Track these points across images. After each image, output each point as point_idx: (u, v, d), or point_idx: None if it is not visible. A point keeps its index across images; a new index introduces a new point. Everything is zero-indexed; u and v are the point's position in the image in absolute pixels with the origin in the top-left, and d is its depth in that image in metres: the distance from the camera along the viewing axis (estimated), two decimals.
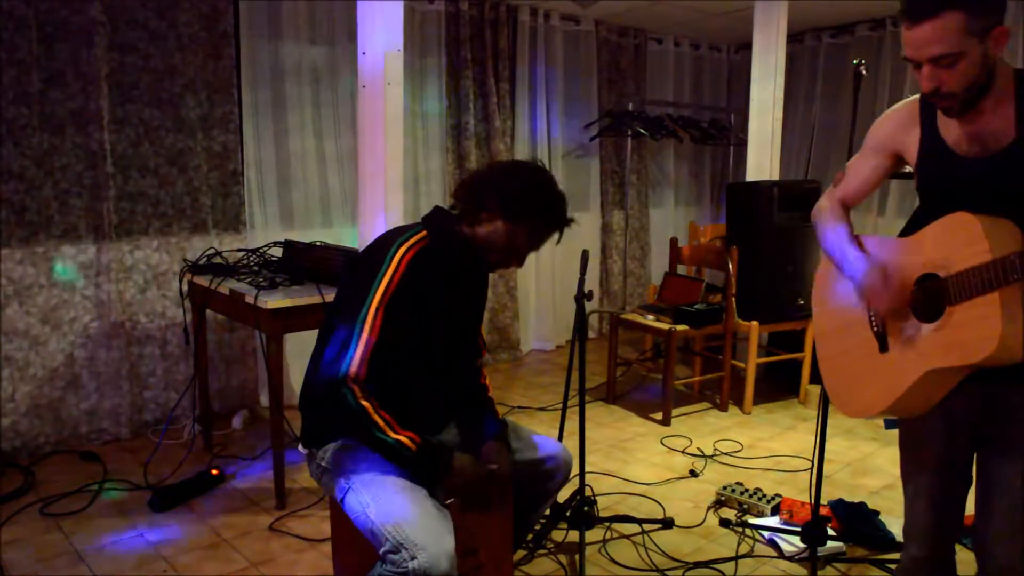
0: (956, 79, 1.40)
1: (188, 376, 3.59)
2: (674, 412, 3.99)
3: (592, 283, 5.72)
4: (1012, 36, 4.29)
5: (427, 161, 4.72)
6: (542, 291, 5.37)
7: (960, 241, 1.45)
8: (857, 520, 2.69)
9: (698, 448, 3.58)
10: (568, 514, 2.57)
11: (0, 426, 3.25)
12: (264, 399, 3.99)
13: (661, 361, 4.45)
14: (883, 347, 1.63)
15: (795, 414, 4.09)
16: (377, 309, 1.74)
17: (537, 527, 2.51)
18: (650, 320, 4.01)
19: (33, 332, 3.33)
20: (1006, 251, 1.37)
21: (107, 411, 3.53)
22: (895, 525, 2.67)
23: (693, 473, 3.28)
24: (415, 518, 1.64)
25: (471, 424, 2.00)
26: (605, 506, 2.93)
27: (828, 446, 3.22)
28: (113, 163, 3.46)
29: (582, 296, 2.18)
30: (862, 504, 2.78)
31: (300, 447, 1.93)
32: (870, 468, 3.34)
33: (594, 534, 2.69)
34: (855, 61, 2.05)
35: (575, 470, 2.16)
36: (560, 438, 2.68)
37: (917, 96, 1.61)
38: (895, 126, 1.65)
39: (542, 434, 2.10)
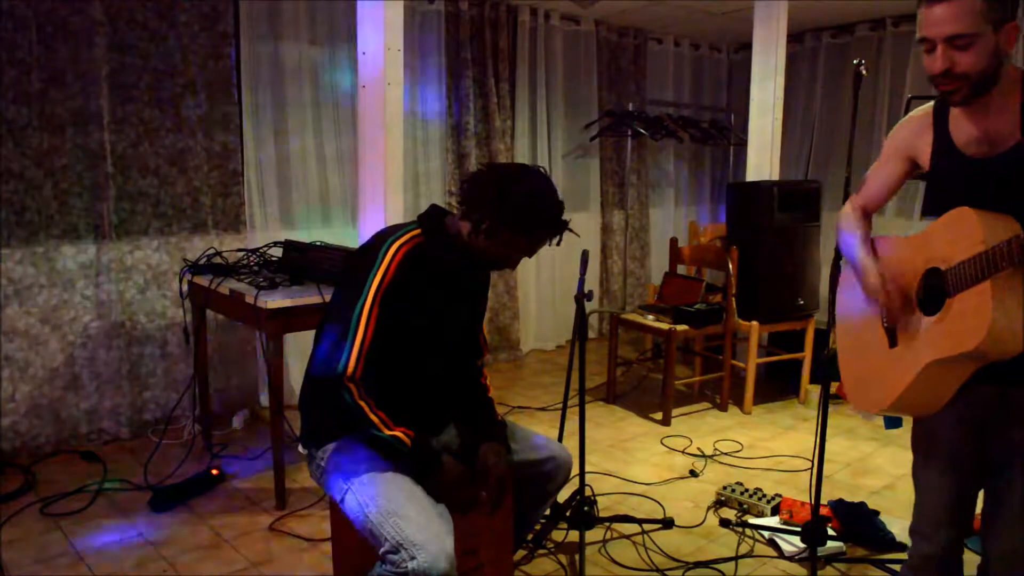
0: (969, 61, 1.43)
1: (188, 376, 3.59)
2: (674, 412, 3.99)
3: (592, 283, 5.72)
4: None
5: (427, 161, 4.72)
6: (542, 291, 5.37)
7: (960, 235, 1.49)
8: (857, 520, 2.69)
9: (698, 448, 3.58)
10: (568, 514, 2.57)
11: (0, 426, 3.26)
12: (264, 399, 3.98)
13: (661, 361, 4.45)
14: (892, 342, 1.65)
15: (795, 414, 4.09)
16: (371, 307, 1.74)
17: (537, 527, 2.51)
18: (650, 320, 4.01)
19: (33, 332, 3.33)
20: (998, 240, 1.40)
21: (107, 411, 3.53)
22: (895, 525, 2.68)
23: (693, 473, 3.28)
24: (414, 518, 1.64)
25: (470, 425, 2.00)
26: (605, 506, 2.94)
27: (828, 446, 3.22)
28: (113, 163, 3.46)
29: (582, 296, 2.18)
30: (862, 504, 2.78)
31: (300, 447, 1.93)
32: (870, 468, 3.34)
33: (594, 534, 2.69)
34: (855, 61, 2.06)
35: (575, 470, 2.16)
36: (560, 438, 2.68)
37: (931, 103, 1.65)
38: (910, 132, 1.70)
39: (542, 434, 2.11)
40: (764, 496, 2.91)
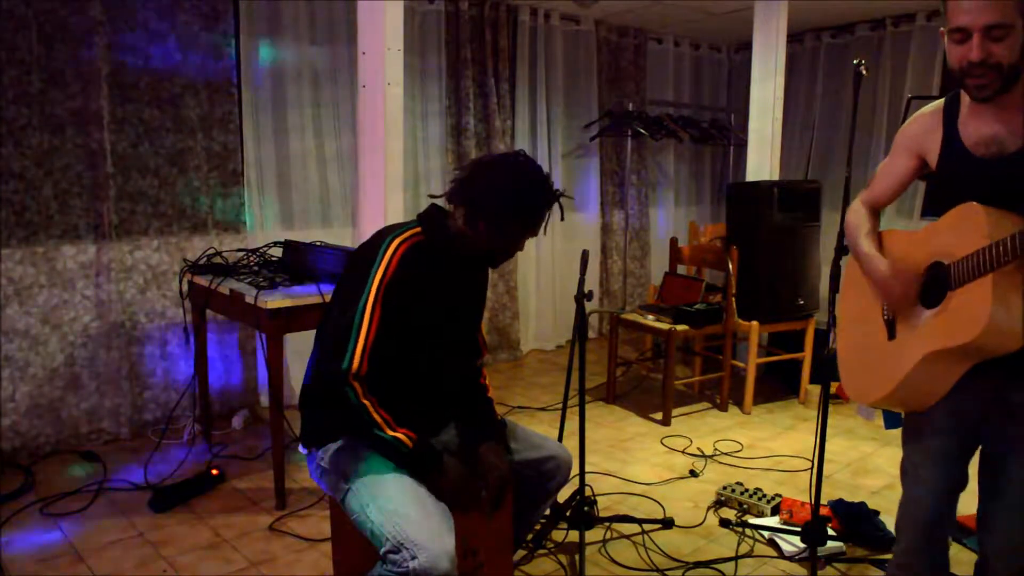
0: (1005, 52, 1.44)
1: (188, 376, 3.59)
2: (674, 412, 3.99)
3: (592, 283, 5.72)
4: None
5: (427, 161, 4.72)
6: (542, 291, 5.37)
7: (965, 229, 1.50)
8: (857, 520, 2.69)
9: (698, 448, 3.58)
10: (568, 514, 2.57)
11: (0, 426, 3.26)
12: (264, 399, 3.99)
13: (661, 361, 4.45)
14: (891, 335, 1.66)
15: (795, 414, 4.09)
16: (374, 304, 1.74)
17: (537, 527, 2.51)
18: (650, 320, 4.01)
19: (33, 332, 3.33)
20: (1003, 235, 1.41)
21: (107, 411, 3.53)
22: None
23: (693, 473, 3.28)
24: (415, 518, 1.64)
25: (470, 424, 2.00)
26: (605, 506, 2.93)
27: (828, 446, 3.22)
28: (113, 163, 3.46)
29: (582, 296, 2.18)
30: (862, 504, 2.78)
31: (300, 447, 1.93)
32: (870, 468, 3.34)
33: (594, 534, 2.69)
34: (855, 61, 2.06)
35: (575, 470, 2.16)
36: (560, 438, 2.68)
37: (941, 101, 1.66)
38: (920, 128, 1.70)
39: (542, 434, 2.11)
40: (764, 496, 2.91)
